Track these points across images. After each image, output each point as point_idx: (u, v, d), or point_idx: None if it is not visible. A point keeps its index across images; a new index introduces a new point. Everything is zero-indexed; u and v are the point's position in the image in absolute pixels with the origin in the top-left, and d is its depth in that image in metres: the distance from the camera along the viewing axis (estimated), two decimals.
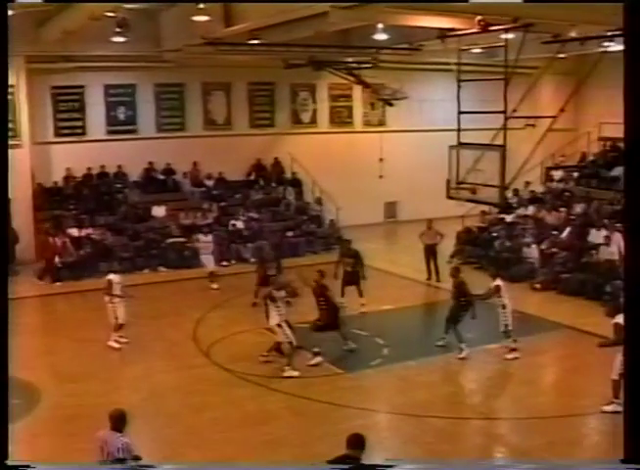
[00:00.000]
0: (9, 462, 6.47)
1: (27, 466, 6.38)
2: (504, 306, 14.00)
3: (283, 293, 13.32)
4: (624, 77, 6.08)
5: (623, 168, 7.32)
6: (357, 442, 6.99)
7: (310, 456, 10.05)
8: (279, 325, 13.24)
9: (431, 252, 20.30)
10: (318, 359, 13.71)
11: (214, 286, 19.23)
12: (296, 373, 13.04)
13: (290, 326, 13.38)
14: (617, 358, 10.91)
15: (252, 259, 21.60)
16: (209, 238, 19.58)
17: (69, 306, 17.45)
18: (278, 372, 13.12)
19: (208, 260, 19.50)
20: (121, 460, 7.39)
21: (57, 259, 20.35)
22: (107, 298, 14.82)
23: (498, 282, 14.10)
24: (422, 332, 17.21)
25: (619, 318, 10.88)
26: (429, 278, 20.23)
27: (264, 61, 23.73)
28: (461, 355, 13.98)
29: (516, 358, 13.79)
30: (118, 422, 7.63)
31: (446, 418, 11.52)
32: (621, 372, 10.82)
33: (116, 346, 14.63)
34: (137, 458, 7.47)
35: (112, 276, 14.88)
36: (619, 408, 10.76)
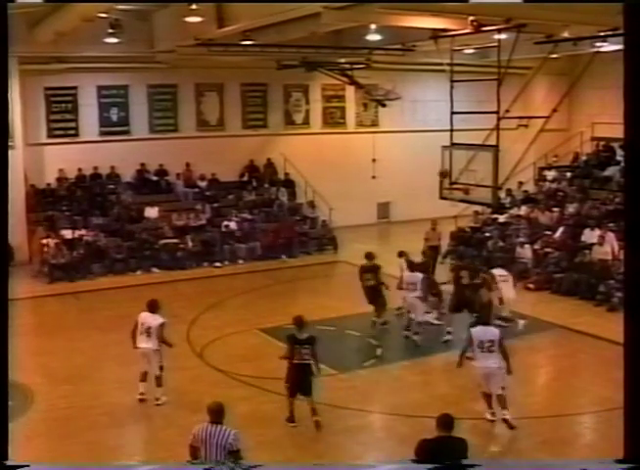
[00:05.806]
0: (8, 462, 6.46)
1: (27, 466, 6.38)
2: None
3: None
4: (624, 77, 6.08)
5: (623, 169, 7.31)
6: (448, 422, 7.26)
7: (305, 458, 10.05)
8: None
9: (435, 253, 19.81)
10: None
11: None
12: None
13: None
14: None
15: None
16: None
17: (63, 308, 17.42)
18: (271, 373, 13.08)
19: None
20: (236, 452, 7.31)
21: (50, 261, 20.30)
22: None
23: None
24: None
25: None
26: None
27: (257, 62, 23.72)
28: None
29: None
30: (219, 414, 7.55)
31: None
32: None
33: None
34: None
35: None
36: None
